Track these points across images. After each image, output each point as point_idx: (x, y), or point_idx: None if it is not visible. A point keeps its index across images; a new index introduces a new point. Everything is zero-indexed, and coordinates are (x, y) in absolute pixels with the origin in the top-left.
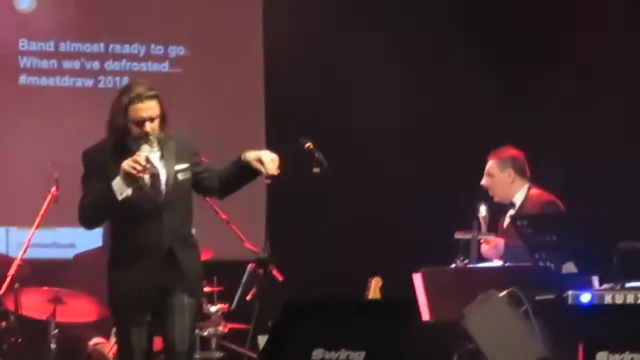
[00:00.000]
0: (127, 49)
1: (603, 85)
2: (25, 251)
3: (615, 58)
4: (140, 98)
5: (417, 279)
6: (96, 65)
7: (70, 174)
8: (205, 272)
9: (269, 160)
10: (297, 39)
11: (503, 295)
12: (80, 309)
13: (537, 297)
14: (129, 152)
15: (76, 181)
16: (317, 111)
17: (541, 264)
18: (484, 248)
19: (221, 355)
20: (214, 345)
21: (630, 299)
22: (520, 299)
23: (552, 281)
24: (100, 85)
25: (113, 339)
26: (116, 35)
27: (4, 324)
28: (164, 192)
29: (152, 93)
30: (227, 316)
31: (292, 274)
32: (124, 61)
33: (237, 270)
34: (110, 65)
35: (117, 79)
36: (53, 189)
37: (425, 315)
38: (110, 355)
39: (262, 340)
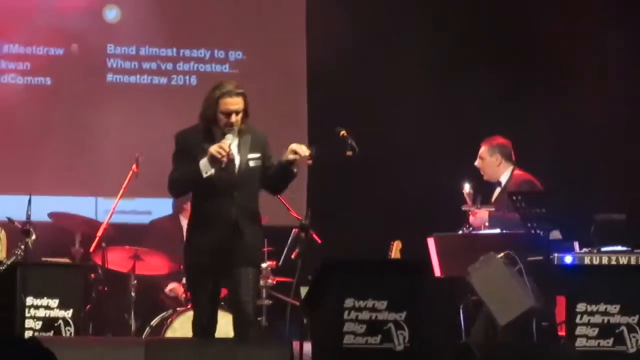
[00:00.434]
0: (194, 53)
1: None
2: (110, 217)
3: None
4: (230, 93)
5: (431, 242)
6: (169, 66)
7: (147, 154)
8: None
9: (299, 147)
10: (334, 47)
11: (501, 257)
12: (155, 264)
13: (529, 259)
14: (214, 137)
15: (152, 161)
16: (351, 105)
17: (532, 231)
18: (471, 218)
19: (270, 302)
20: (264, 295)
21: (604, 260)
22: (515, 260)
23: (541, 246)
24: (173, 83)
25: (181, 289)
26: (186, 42)
27: (93, 275)
28: (236, 174)
29: (240, 91)
30: (275, 271)
31: (328, 237)
32: (192, 63)
33: (284, 234)
34: (180, 66)
35: (187, 77)
36: (134, 167)
37: (437, 272)
38: (183, 296)
39: (303, 291)
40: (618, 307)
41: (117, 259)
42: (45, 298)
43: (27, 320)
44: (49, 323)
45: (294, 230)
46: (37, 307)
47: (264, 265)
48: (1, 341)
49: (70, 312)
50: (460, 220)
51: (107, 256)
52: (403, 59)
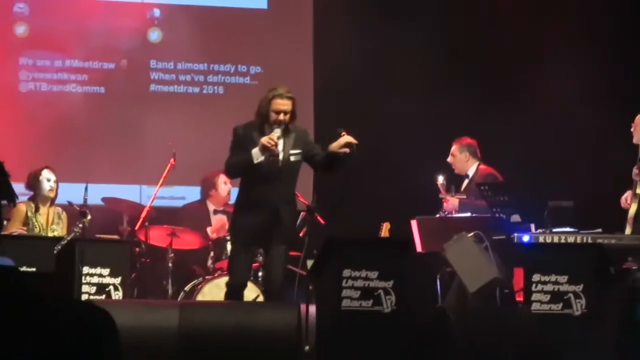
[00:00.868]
0: (222, 67)
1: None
2: (152, 201)
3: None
4: (281, 96)
5: (414, 224)
6: (201, 78)
7: (183, 150)
8: None
9: (350, 139)
10: (336, 62)
11: (471, 236)
12: (188, 240)
13: (494, 237)
14: (264, 132)
15: (186, 155)
16: (350, 109)
17: (496, 215)
18: (445, 205)
19: None
20: None
21: (555, 239)
22: (483, 238)
23: (504, 227)
24: (204, 92)
25: (210, 261)
26: (215, 58)
27: (137, 249)
28: (279, 165)
29: (289, 95)
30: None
31: (330, 219)
32: (219, 76)
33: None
34: (210, 78)
35: (215, 87)
36: (171, 160)
37: (419, 248)
38: (210, 267)
39: (309, 263)
40: (566, 277)
41: (157, 236)
42: (98, 268)
43: (83, 286)
44: (101, 288)
45: (302, 213)
46: (91, 275)
47: None
48: (63, 302)
49: (119, 279)
50: (437, 206)
51: (149, 233)
52: (395, 73)
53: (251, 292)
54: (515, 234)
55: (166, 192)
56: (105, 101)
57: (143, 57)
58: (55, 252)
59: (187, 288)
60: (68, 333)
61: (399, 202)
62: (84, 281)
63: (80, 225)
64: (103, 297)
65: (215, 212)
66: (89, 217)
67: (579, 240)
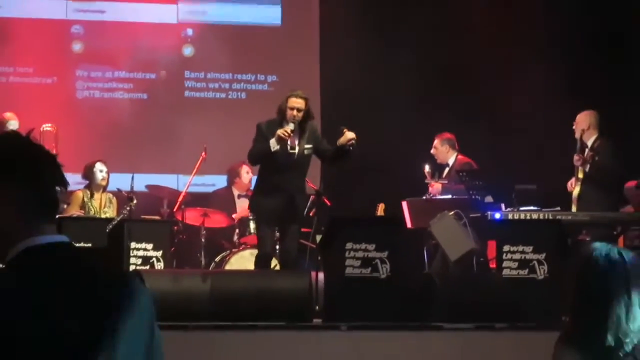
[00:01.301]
0: (244, 76)
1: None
2: (187, 188)
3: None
4: (296, 95)
5: (405, 204)
6: (227, 86)
7: (212, 145)
8: None
9: (352, 135)
10: (341, 74)
11: (452, 214)
12: (217, 219)
13: (471, 215)
14: (282, 126)
15: (215, 150)
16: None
17: (473, 197)
18: (430, 189)
19: None
20: None
21: (522, 216)
22: (462, 216)
23: (479, 207)
24: (229, 97)
25: (235, 236)
26: (238, 69)
27: (175, 228)
28: (295, 157)
29: (303, 95)
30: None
31: (335, 201)
32: (242, 83)
33: (305, 199)
34: (234, 86)
35: (239, 93)
36: (203, 154)
37: (409, 224)
38: (236, 242)
39: (318, 237)
40: (531, 247)
41: (192, 216)
42: (143, 243)
43: (131, 259)
44: (146, 260)
45: (311, 196)
46: (137, 249)
47: None
48: (111, 271)
49: (161, 252)
50: (423, 190)
51: (185, 214)
52: (390, 81)
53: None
54: (489, 212)
55: (199, 180)
56: (147, 106)
57: (179, 68)
58: (107, 230)
59: (217, 259)
60: (116, 297)
61: (392, 186)
62: (131, 255)
63: (128, 208)
64: (147, 267)
65: (239, 196)
66: (135, 201)
67: (541, 217)
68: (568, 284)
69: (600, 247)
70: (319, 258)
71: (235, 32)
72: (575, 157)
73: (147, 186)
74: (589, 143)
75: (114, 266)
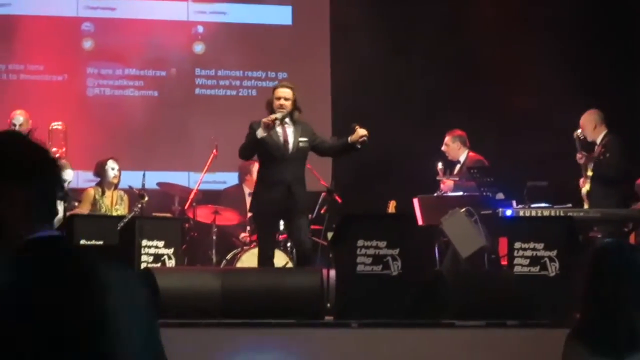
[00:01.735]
0: (255, 74)
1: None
2: (198, 185)
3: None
4: (282, 85)
5: (416, 201)
6: (237, 83)
7: (223, 142)
8: None
9: (365, 132)
10: (350, 69)
11: (463, 211)
12: (228, 217)
13: (482, 212)
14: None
15: (226, 147)
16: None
17: (484, 194)
18: (442, 185)
19: None
20: None
21: (533, 213)
22: (473, 213)
23: (490, 203)
24: (240, 94)
25: (247, 234)
26: (249, 66)
27: (187, 225)
28: (290, 149)
29: (288, 84)
30: (310, 221)
31: (346, 198)
32: (252, 80)
33: (316, 196)
34: (245, 83)
35: (249, 90)
36: (214, 151)
37: (420, 221)
38: (248, 240)
39: (329, 235)
40: (542, 244)
41: (203, 214)
42: (154, 240)
43: (142, 256)
44: (157, 257)
45: (322, 193)
46: (149, 247)
47: None
48: (104, 264)
49: (172, 250)
50: (434, 187)
51: (196, 212)
52: (400, 78)
53: (281, 260)
54: (500, 209)
55: (210, 178)
56: (158, 103)
57: (189, 66)
58: (118, 228)
59: (228, 257)
60: (108, 290)
61: (403, 183)
62: (142, 252)
63: (140, 205)
64: (159, 264)
65: (250, 194)
66: (146, 198)
67: (552, 214)
68: (579, 281)
69: (611, 243)
70: (330, 255)
71: (246, 30)
72: (578, 156)
73: (159, 184)
74: (598, 140)
75: (104, 259)
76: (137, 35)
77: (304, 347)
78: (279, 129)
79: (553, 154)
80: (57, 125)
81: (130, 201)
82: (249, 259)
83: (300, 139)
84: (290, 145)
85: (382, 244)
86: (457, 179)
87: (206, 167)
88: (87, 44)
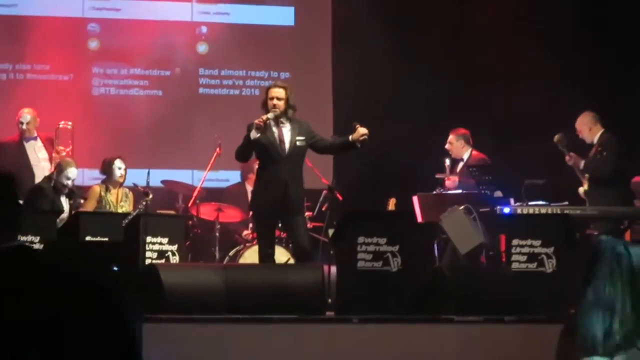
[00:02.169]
0: (258, 73)
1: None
2: (202, 183)
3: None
4: (275, 85)
5: (415, 199)
6: (240, 82)
7: (226, 140)
8: None
9: (362, 131)
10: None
11: (462, 208)
12: (231, 214)
13: (481, 210)
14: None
15: (229, 145)
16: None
17: (483, 192)
18: (447, 183)
19: None
20: None
21: (531, 210)
22: (471, 210)
23: (489, 201)
24: (243, 94)
25: (249, 231)
26: (251, 66)
27: (190, 222)
28: (287, 149)
29: (281, 84)
30: (311, 219)
31: (347, 196)
32: (255, 80)
33: (318, 194)
34: (248, 82)
35: (252, 90)
36: (217, 150)
37: (419, 219)
38: (250, 237)
39: (330, 232)
40: (540, 241)
41: (206, 211)
42: (159, 237)
43: (146, 252)
44: (161, 254)
45: (324, 191)
46: (153, 244)
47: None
48: (65, 271)
49: (176, 246)
50: (434, 185)
51: (200, 209)
52: (401, 78)
53: (282, 256)
54: (498, 207)
55: (213, 176)
56: (162, 102)
57: (193, 66)
58: (123, 225)
59: (231, 253)
60: (71, 298)
61: (402, 181)
62: (147, 248)
63: (144, 202)
64: (163, 261)
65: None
66: (150, 196)
67: (549, 211)
68: (575, 277)
69: (607, 240)
70: (332, 252)
71: (249, 30)
72: (567, 158)
73: (163, 181)
74: (595, 139)
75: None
76: (141, 35)
77: (306, 342)
78: (274, 129)
79: (551, 153)
80: (65, 124)
81: (135, 198)
82: (252, 255)
83: (298, 137)
84: (287, 145)
85: (382, 240)
86: (456, 177)
87: (209, 165)
88: (93, 44)
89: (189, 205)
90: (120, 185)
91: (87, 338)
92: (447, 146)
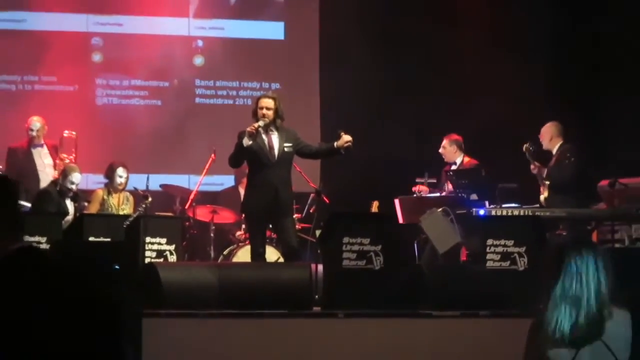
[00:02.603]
0: (250, 84)
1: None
2: (198, 187)
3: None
4: (265, 96)
5: (397, 202)
6: (234, 92)
7: (221, 147)
8: None
9: (349, 138)
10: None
11: (440, 211)
12: (225, 216)
13: (458, 212)
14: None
15: (223, 152)
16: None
17: (459, 195)
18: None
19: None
20: None
21: (504, 212)
22: (449, 212)
23: (465, 204)
24: (236, 103)
25: (242, 231)
26: (244, 78)
27: (187, 223)
28: (276, 155)
29: (271, 95)
30: (300, 220)
31: (334, 199)
32: (248, 91)
33: (305, 197)
34: (241, 93)
35: (245, 100)
36: (212, 156)
37: (401, 220)
38: (243, 237)
39: (317, 232)
40: (512, 241)
41: (202, 213)
42: (157, 237)
43: (146, 252)
44: (160, 253)
45: (311, 194)
46: (152, 244)
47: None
48: (66, 275)
49: (173, 246)
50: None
51: (196, 211)
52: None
53: (273, 256)
54: (474, 209)
55: (208, 180)
56: (161, 111)
57: (190, 77)
58: (124, 226)
59: (225, 252)
60: (71, 302)
61: (385, 186)
62: (146, 248)
63: (144, 205)
64: (161, 260)
65: None
66: (150, 199)
67: (521, 213)
68: (543, 274)
69: (573, 240)
70: (319, 251)
71: (242, 44)
72: (531, 167)
73: (162, 185)
74: (554, 150)
75: (131, 259)
76: (142, 49)
77: (295, 335)
78: (264, 137)
79: (523, 160)
80: (69, 133)
81: (135, 201)
82: (244, 254)
83: (285, 144)
84: (276, 151)
85: (366, 240)
86: (427, 188)
87: (205, 170)
88: (97, 57)
89: (186, 207)
90: (122, 190)
91: (84, 337)
92: (440, 150)
